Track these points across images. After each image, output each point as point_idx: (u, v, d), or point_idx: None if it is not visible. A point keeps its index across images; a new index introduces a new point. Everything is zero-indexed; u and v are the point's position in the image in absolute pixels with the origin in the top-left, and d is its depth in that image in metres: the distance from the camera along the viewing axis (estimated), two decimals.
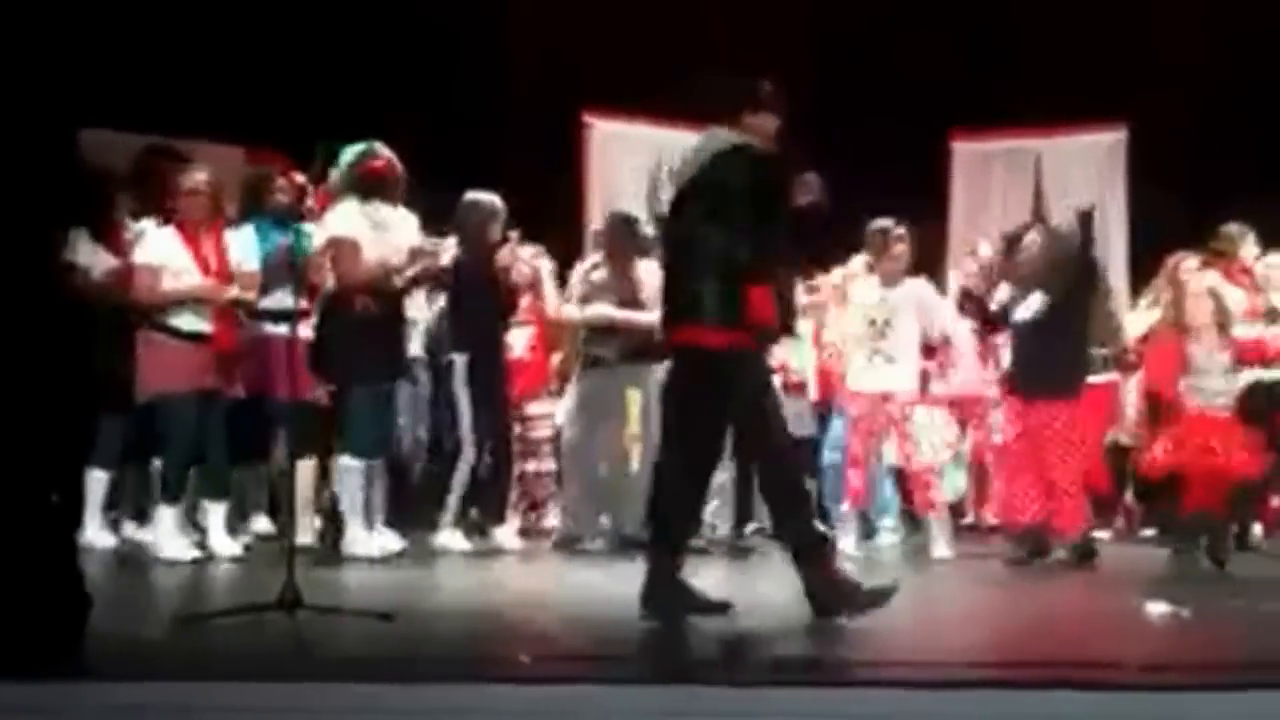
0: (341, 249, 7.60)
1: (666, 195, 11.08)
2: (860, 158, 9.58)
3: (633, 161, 11.14)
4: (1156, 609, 5.95)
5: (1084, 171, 11.07)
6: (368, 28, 10.41)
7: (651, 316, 8.34)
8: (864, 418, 8.26)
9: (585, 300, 8.47)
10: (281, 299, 7.27)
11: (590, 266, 8.61)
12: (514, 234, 8.20)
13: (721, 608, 5.67)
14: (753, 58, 10.45)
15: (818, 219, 5.79)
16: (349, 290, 7.60)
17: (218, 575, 7.13)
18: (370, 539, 7.62)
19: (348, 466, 7.58)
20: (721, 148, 5.73)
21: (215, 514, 7.65)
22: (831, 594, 5.53)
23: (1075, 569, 7.69)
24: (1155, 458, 7.83)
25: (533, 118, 10.55)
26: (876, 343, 8.19)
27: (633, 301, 8.38)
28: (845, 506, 8.42)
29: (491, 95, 10.67)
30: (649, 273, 8.36)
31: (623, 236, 8.50)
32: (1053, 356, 7.88)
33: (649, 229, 9.29)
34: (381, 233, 7.68)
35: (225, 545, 7.57)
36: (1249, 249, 8.67)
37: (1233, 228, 8.75)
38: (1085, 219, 8.11)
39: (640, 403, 8.37)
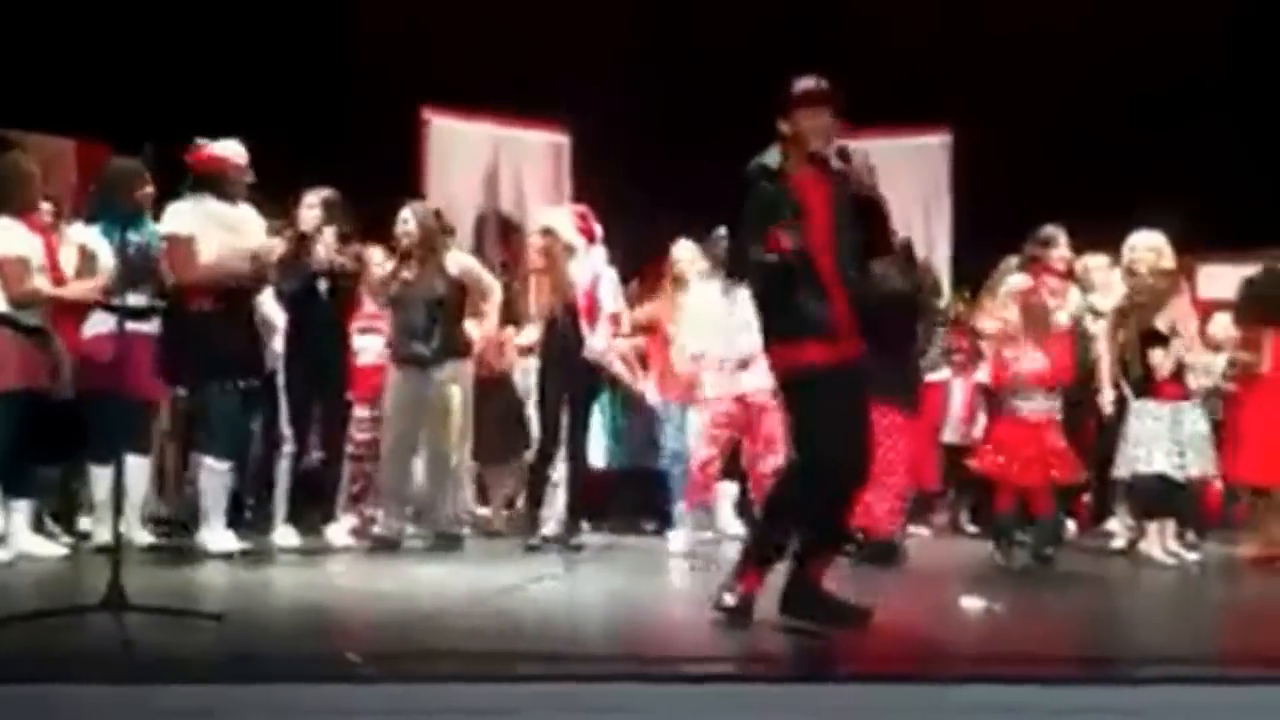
0: (175, 246, 7.48)
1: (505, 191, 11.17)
2: (691, 162, 9.69)
3: (471, 157, 11.19)
4: (972, 604, 6.14)
5: (912, 172, 11.29)
6: (206, 22, 10.27)
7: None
8: (719, 421, 8.26)
9: (398, 300, 8.34)
10: (133, 296, 7.13)
11: (399, 263, 8.41)
12: (328, 227, 8.09)
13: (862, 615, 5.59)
14: (589, 57, 10.59)
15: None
16: (185, 289, 7.48)
17: (46, 576, 6.94)
18: (228, 538, 7.56)
19: (212, 468, 7.53)
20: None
21: (21, 514, 7.41)
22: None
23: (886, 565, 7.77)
24: (978, 461, 8.15)
25: (370, 113, 10.48)
26: (729, 348, 8.11)
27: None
28: (684, 507, 8.58)
29: (329, 91, 10.59)
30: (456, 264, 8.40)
31: (434, 232, 8.38)
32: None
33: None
34: (222, 230, 7.57)
35: (38, 546, 7.40)
36: (1061, 249, 8.77)
37: (1048, 229, 8.87)
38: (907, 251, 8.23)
39: (460, 398, 8.33)
